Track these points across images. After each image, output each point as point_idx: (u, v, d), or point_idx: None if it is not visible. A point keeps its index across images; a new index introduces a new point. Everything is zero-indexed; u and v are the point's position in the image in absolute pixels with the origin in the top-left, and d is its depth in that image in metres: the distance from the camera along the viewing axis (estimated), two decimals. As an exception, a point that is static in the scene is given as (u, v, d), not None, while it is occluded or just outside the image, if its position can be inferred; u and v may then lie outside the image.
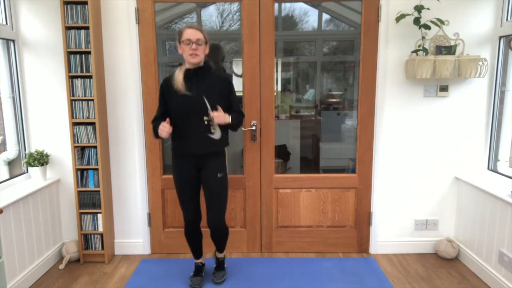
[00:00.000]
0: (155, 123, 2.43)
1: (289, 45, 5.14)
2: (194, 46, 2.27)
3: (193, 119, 2.34)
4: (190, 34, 2.28)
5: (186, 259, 2.99)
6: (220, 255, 2.73)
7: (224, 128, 2.42)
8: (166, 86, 2.41)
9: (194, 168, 2.45)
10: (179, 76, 2.36)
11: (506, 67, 2.81)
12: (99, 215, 2.90)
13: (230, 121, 2.36)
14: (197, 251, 2.68)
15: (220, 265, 2.74)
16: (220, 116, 2.30)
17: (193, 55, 2.28)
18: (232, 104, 2.46)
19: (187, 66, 2.37)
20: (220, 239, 2.63)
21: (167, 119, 2.32)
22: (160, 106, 2.49)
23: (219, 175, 2.45)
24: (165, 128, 2.29)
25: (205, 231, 2.65)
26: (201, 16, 3.83)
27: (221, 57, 3.24)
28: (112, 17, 2.82)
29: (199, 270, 2.69)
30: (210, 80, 2.40)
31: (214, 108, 2.31)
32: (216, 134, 2.37)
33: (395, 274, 2.78)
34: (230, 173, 2.58)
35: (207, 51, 2.39)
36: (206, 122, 2.33)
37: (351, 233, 3.12)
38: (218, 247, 2.69)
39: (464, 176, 2.93)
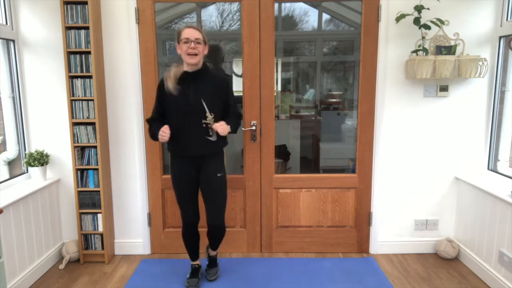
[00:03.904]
0: (153, 125, 2.42)
1: (289, 45, 5.14)
2: (192, 45, 2.25)
3: (191, 122, 2.33)
4: (189, 33, 2.27)
5: (186, 259, 2.98)
6: (213, 253, 2.75)
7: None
8: (164, 87, 2.37)
9: (193, 168, 2.44)
10: (172, 78, 2.33)
11: (506, 67, 2.81)
12: (99, 215, 2.90)
13: (230, 129, 2.37)
14: (194, 253, 2.68)
15: (212, 262, 2.75)
16: (224, 130, 2.31)
17: (192, 54, 2.27)
18: (230, 106, 2.44)
19: (185, 68, 2.35)
20: (217, 238, 2.63)
21: (167, 126, 2.31)
22: (157, 106, 2.46)
23: (218, 174, 2.45)
24: (165, 134, 2.29)
25: (202, 231, 2.65)
26: (201, 16, 3.83)
27: (221, 58, 3.24)
28: (112, 17, 2.82)
29: (195, 271, 2.69)
30: (208, 81, 2.38)
31: (213, 111, 2.31)
32: (214, 136, 2.36)
33: (395, 274, 2.78)
34: (230, 173, 2.58)
35: (206, 51, 2.36)
36: (204, 125, 2.32)
37: (351, 233, 3.12)
38: (212, 246, 2.69)
39: (464, 176, 2.93)
